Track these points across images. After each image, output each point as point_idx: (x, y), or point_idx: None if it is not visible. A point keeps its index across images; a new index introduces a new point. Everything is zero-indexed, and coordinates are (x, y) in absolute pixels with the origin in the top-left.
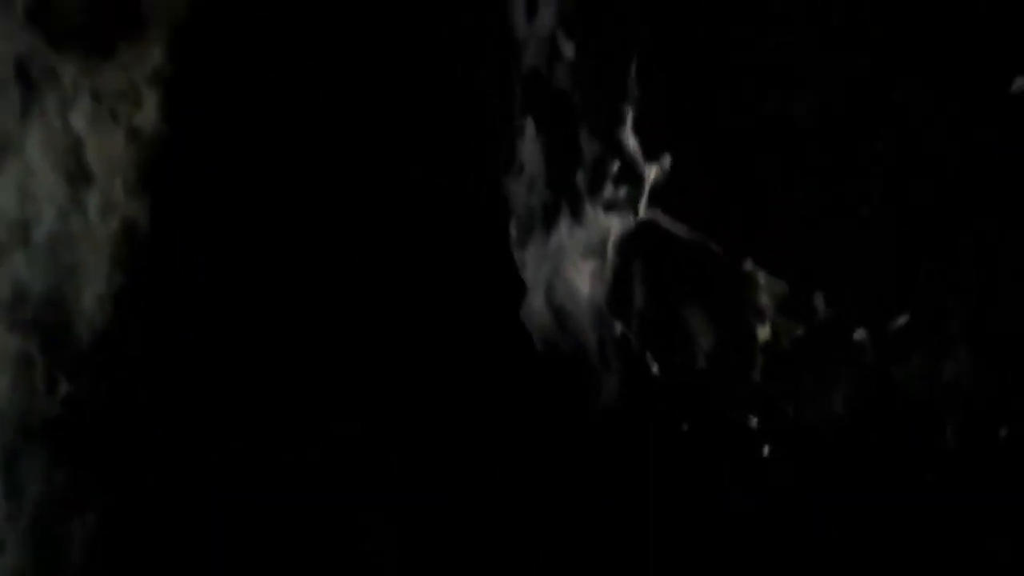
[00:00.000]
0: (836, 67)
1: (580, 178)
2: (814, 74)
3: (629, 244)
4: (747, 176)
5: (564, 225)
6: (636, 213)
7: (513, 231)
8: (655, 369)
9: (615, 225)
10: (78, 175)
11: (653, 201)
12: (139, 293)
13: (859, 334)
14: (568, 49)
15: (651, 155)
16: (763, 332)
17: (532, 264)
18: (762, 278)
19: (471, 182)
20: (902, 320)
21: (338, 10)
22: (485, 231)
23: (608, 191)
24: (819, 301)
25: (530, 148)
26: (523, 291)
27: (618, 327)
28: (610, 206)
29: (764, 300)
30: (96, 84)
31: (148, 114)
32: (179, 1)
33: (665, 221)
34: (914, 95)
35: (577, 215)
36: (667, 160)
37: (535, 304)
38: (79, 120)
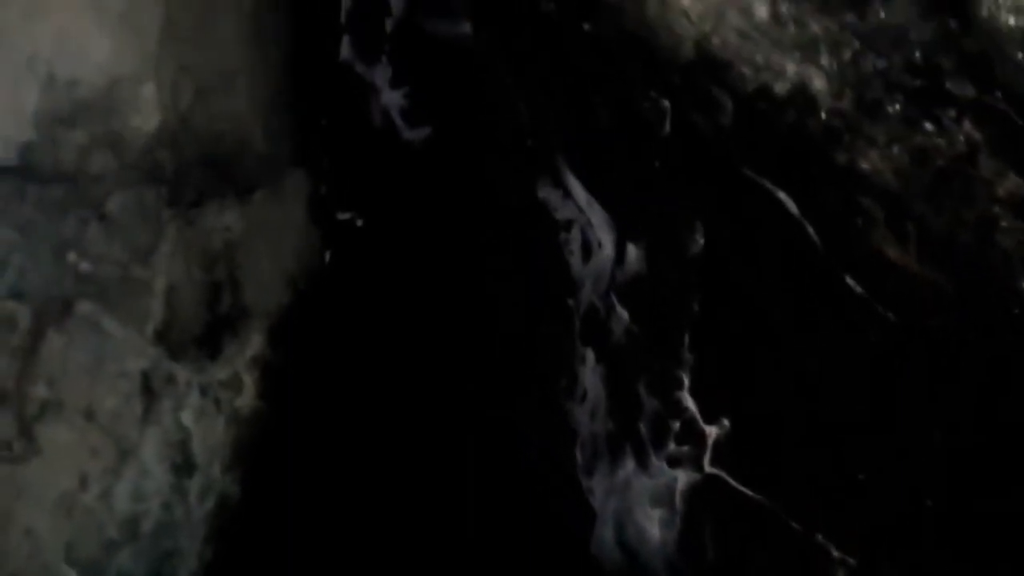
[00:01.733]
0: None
1: (643, 428)
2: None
3: (696, 498)
4: (806, 445)
5: (630, 466)
6: (701, 469)
7: (579, 456)
8: None
9: (681, 478)
10: (183, 466)
11: (716, 461)
12: (230, 561)
13: None
14: (623, 312)
15: (710, 418)
16: None
17: (600, 494)
18: (835, 552)
19: (533, 406)
20: None
21: (413, 297)
22: (548, 449)
23: (671, 447)
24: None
25: (591, 377)
26: (592, 517)
27: None
28: (674, 461)
29: (837, 574)
30: (204, 379)
31: (247, 397)
32: (277, 294)
33: (731, 480)
34: None
35: (643, 464)
36: (727, 423)
37: (606, 538)
38: (188, 416)
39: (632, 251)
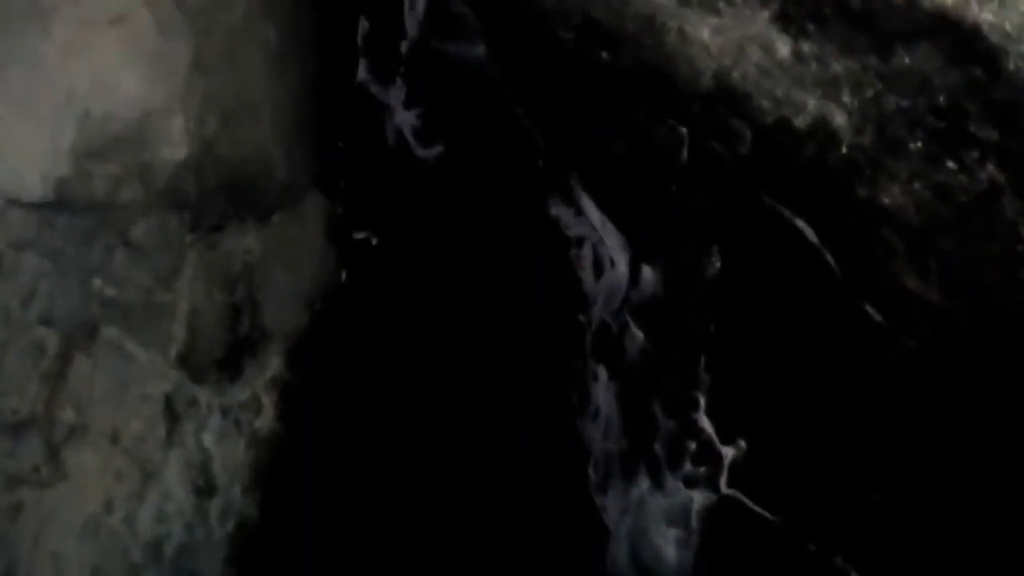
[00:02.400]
0: None
1: (658, 448)
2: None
3: (712, 519)
4: (824, 468)
5: (645, 485)
6: (717, 490)
7: (592, 473)
8: None
9: (697, 498)
10: (204, 488)
11: (732, 482)
12: None
13: None
14: (638, 333)
15: (727, 439)
16: None
17: (614, 512)
18: (854, 574)
19: (545, 421)
20: None
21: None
22: (562, 467)
23: (687, 467)
24: None
25: (604, 395)
26: (606, 535)
27: None
28: (690, 482)
29: None
30: (224, 401)
31: (265, 418)
32: (296, 315)
33: (747, 502)
34: None
35: (658, 483)
36: (743, 445)
37: (620, 557)
38: (209, 438)
39: (647, 272)
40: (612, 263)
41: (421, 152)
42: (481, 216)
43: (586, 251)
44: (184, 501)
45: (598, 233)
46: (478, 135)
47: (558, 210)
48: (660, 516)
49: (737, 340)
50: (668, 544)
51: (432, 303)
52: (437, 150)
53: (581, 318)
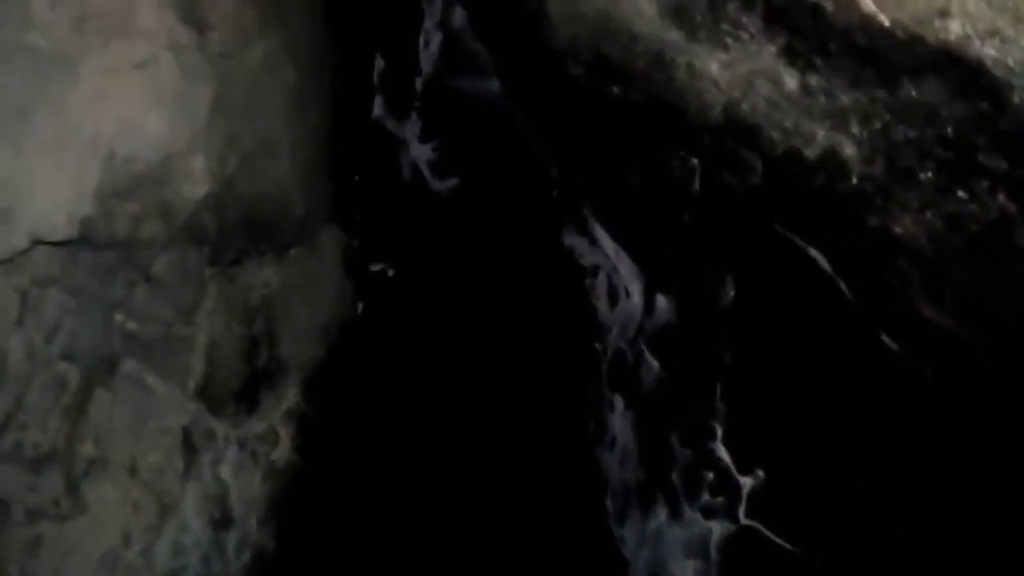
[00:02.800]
0: None
1: (675, 478)
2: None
3: (731, 549)
4: (841, 497)
5: (663, 515)
6: (736, 520)
7: (609, 504)
8: None
9: (715, 528)
10: (221, 521)
11: (751, 512)
12: None
13: None
14: (654, 363)
15: (745, 469)
16: None
17: (632, 543)
18: None
19: (562, 451)
20: None
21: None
22: (579, 498)
23: (705, 497)
24: None
25: (620, 424)
26: (625, 566)
27: None
28: (708, 512)
29: None
30: (241, 433)
31: (282, 450)
32: (312, 347)
33: (766, 532)
34: None
35: (675, 513)
36: (761, 474)
37: None
38: (227, 470)
39: (661, 301)
40: (627, 292)
41: (436, 185)
42: (496, 247)
43: (601, 280)
44: (201, 533)
45: (612, 262)
46: (492, 168)
47: (572, 240)
48: (679, 547)
49: (753, 369)
50: (687, 575)
51: (448, 334)
52: (452, 183)
53: (597, 347)
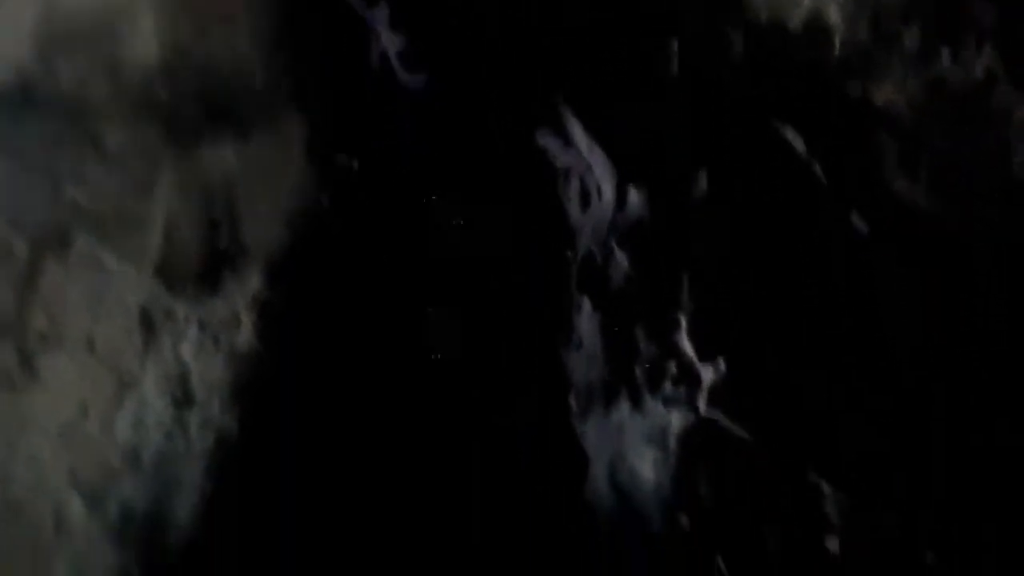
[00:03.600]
0: None
1: (639, 372)
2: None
3: (691, 438)
4: (800, 387)
5: (624, 409)
6: (696, 411)
7: (573, 403)
8: (722, 566)
9: (675, 419)
10: (183, 400)
11: (711, 402)
12: (228, 498)
13: (931, 558)
14: (622, 258)
15: (706, 359)
16: (832, 544)
17: (593, 438)
18: (826, 489)
19: (529, 353)
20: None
21: (409, 240)
22: (545, 400)
23: (667, 389)
24: (889, 518)
25: (587, 326)
26: (585, 460)
27: (684, 521)
28: (670, 402)
29: (830, 510)
30: (203, 315)
31: (245, 336)
32: (275, 234)
33: (725, 421)
34: None
35: (638, 405)
36: (721, 364)
37: (599, 482)
38: (187, 350)
39: (634, 195)
40: (599, 192)
41: (405, 78)
42: (467, 147)
43: (574, 183)
44: (163, 412)
45: (586, 161)
46: (463, 59)
47: (545, 139)
48: (638, 439)
49: (720, 260)
50: (645, 465)
51: (415, 232)
52: (420, 75)
53: (568, 252)
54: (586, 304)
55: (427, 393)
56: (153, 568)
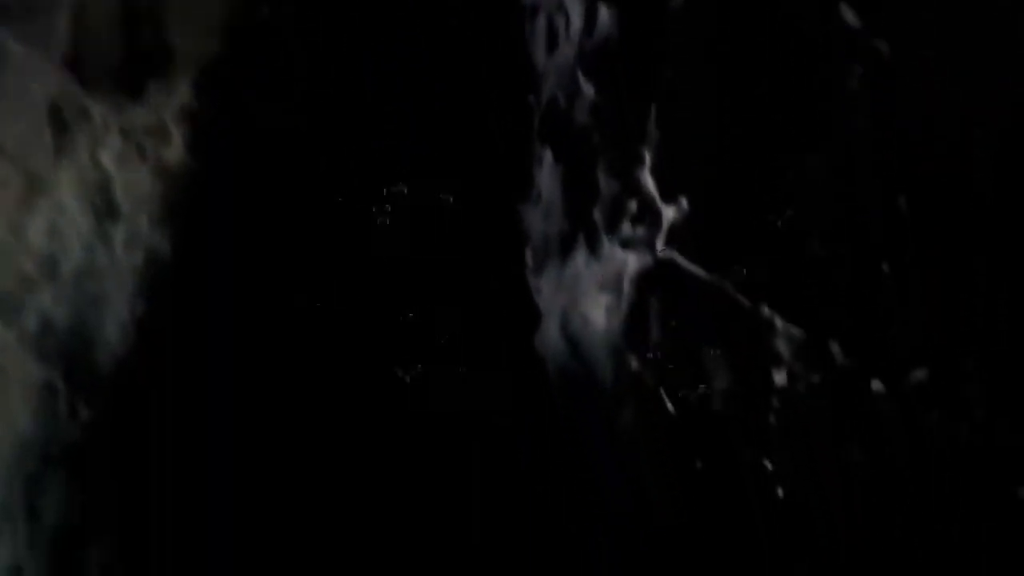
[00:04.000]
0: None
1: (598, 213)
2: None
3: (646, 281)
4: (763, 224)
5: (580, 257)
6: (654, 251)
7: (529, 258)
8: (670, 406)
9: (632, 261)
10: (105, 211)
11: (670, 241)
12: (160, 319)
13: (876, 385)
14: (588, 88)
15: (668, 197)
16: (779, 377)
17: (548, 292)
18: (779, 324)
19: (485, 207)
20: (921, 374)
21: (353, 48)
22: (500, 256)
23: (626, 228)
24: (836, 350)
25: (547, 178)
26: (537, 316)
27: (633, 362)
28: (627, 243)
29: (781, 346)
30: (125, 122)
31: (175, 149)
32: (207, 43)
33: (682, 261)
34: None
35: (594, 249)
36: (684, 203)
37: (550, 333)
38: (108, 157)
39: (604, 13)
40: (567, 25)
41: None
42: None
43: (540, 21)
44: (81, 220)
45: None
46: None
47: None
48: (592, 286)
49: (692, 85)
50: (599, 312)
51: (366, 59)
52: None
53: (531, 99)
54: (548, 156)
55: (371, 220)
56: (81, 386)
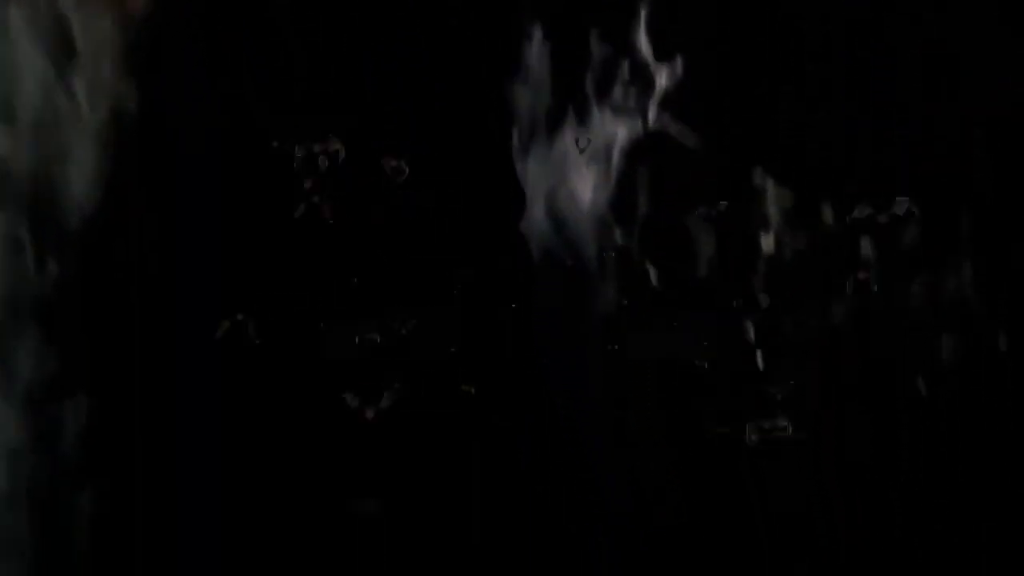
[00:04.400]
0: None
1: (588, 81)
2: None
3: (636, 150)
4: (757, 85)
5: (569, 131)
6: (645, 119)
7: (515, 139)
8: (654, 279)
9: (622, 130)
10: (63, 56)
11: (663, 106)
12: (128, 178)
13: (865, 247)
14: None
15: (663, 57)
16: (767, 243)
17: (534, 172)
18: (770, 187)
19: (470, 85)
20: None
21: None
22: (485, 135)
23: (617, 95)
24: (827, 212)
25: (537, 53)
26: (523, 201)
27: (619, 235)
28: (618, 110)
29: (770, 210)
30: None
31: None
32: None
33: (674, 128)
34: None
35: (583, 120)
36: (679, 64)
37: (535, 213)
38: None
39: None
40: None
41: None
42: None
43: None
44: (38, 63)
45: None
46: None
47: None
48: (580, 161)
49: None
50: (586, 188)
51: None
52: None
53: None
54: (538, 31)
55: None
56: (49, 241)
